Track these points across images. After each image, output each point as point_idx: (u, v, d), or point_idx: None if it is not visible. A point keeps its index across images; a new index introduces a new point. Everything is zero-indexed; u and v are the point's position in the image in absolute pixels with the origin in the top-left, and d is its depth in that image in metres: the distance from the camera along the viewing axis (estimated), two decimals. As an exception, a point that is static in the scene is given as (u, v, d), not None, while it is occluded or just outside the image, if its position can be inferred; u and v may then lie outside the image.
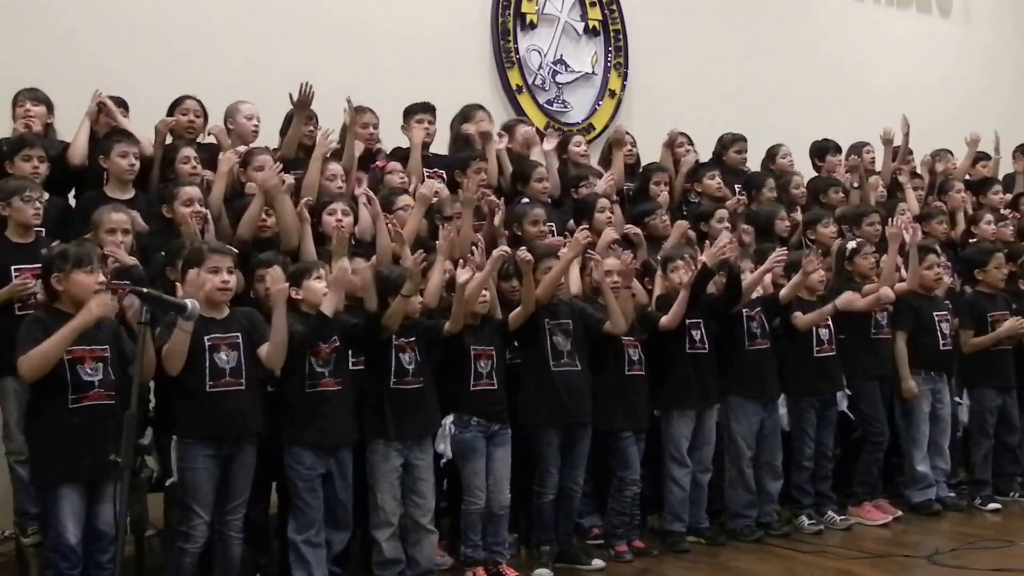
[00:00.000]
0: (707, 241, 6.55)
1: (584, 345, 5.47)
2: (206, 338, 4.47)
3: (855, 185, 7.59)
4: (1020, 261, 7.24)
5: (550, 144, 7.05)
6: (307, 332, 4.70)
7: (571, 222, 6.37)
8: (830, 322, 6.19)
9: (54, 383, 4.13)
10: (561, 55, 9.07)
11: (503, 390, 5.25)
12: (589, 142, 7.83)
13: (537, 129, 7.57)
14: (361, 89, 6.86)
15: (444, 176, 6.47)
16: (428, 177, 6.28)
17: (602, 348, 5.56)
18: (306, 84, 6.08)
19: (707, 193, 7.16)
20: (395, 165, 6.24)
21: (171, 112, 6.06)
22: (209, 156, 5.89)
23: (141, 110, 6.09)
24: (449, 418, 5.13)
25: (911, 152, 8.54)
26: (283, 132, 6.36)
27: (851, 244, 6.53)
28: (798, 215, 7.19)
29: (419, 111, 6.68)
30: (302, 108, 6.14)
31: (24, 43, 6.67)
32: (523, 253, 5.26)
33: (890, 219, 6.61)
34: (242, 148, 6.00)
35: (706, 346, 5.84)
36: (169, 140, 5.88)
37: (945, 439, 6.63)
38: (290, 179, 5.52)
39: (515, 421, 5.33)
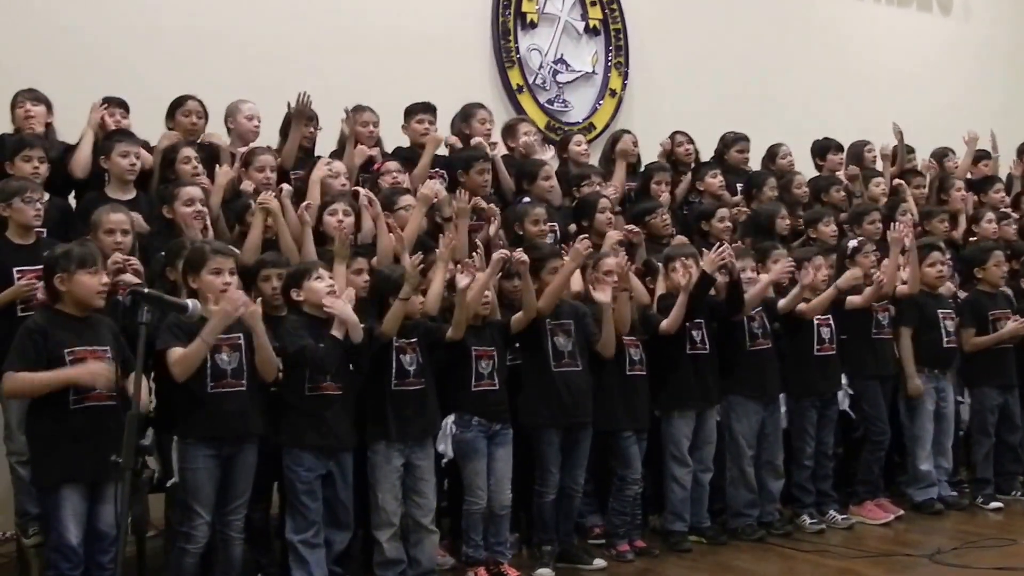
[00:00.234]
0: (708, 238, 6.61)
1: (585, 345, 5.46)
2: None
3: (856, 195, 7.61)
4: (1023, 260, 7.24)
5: (547, 153, 7.05)
6: (323, 359, 4.68)
7: (571, 226, 6.38)
8: (831, 321, 6.18)
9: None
10: (561, 54, 9.07)
11: (504, 390, 5.24)
12: (590, 141, 7.81)
13: (538, 128, 7.59)
14: (361, 88, 6.89)
15: (445, 176, 6.47)
16: (429, 177, 6.28)
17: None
18: (303, 94, 6.09)
19: (709, 192, 7.17)
20: (389, 166, 6.23)
21: (172, 112, 6.06)
22: (208, 156, 5.89)
23: (141, 110, 6.09)
24: (450, 418, 5.13)
25: (912, 150, 8.55)
26: (283, 132, 6.36)
27: (852, 243, 6.53)
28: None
29: (419, 111, 6.69)
30: (300, 117, 6.14)
31: (25, 43, 6.67)
32: (520, 254, 5.25)
33: (892, 224, 6.59)
34: (243, 148, 5.99)
35: (707, 346, 5.83)
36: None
37: (948, 438, 6.63)
38: (288, 188, 5.51)
39: (516, 421, 5.33)
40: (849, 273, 6.18)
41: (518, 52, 8.79)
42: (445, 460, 5.14)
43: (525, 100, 8.75)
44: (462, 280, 5.02)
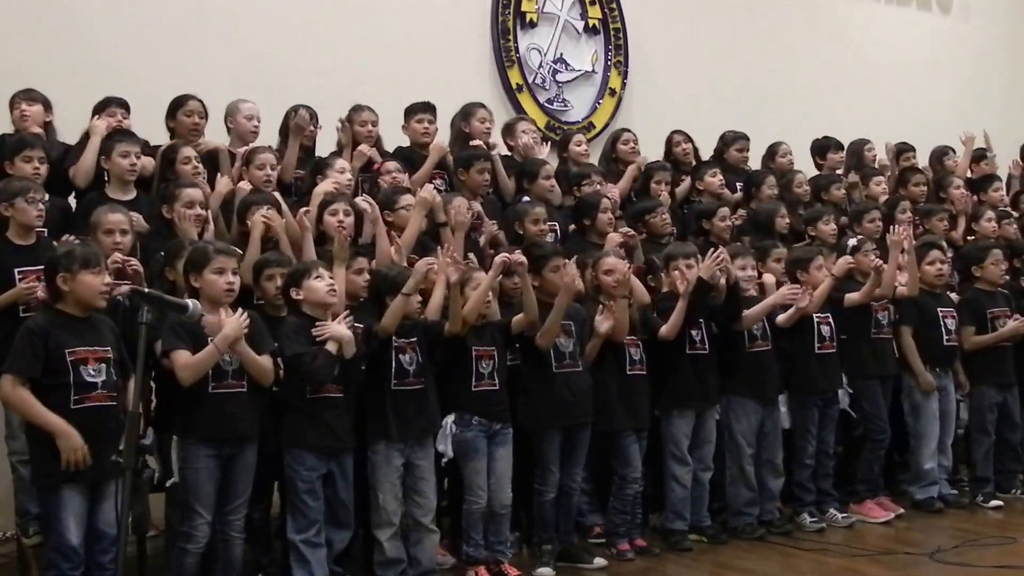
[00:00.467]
0: (709, 237, 6.61)
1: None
2: (210, 340, 4.46)
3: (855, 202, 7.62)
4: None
5: (543, 151, 7.05)
6: (316, 372, 4.68)
7: (571, 226, 6.39)
8: (831, 319, 6.19)
9: (56, 384, 4.11)
10: (561, 54, 9.06)
11: (504, 390, 5.24)
12: (589, 141, 7.82)
13: (536, 127, 7.59)
14: (361, 88, 6.89)
15: (446, 176, 6.48)
16: (431, 180, 6.29)
17: (603, 348, 5.55)
18: (296, 111, 6.14)
19: (708, 191, 7.17)
20: (388, 166, 6.23)
21: (173, 112, 6.05)
22: (206, 156, 5.89)
23: (141, 110, 6.09)
24: (450, 417, 5.13)
25: (912, 149, 8.56)
26: (282, 132, 6.36)
27: (852, 241, 6.54)
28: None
29: (420, 111, 6.69)
30: (296, 133, 6.13)
31: (25, 43, 6.67)
32: (518, 256, 5.24)
33: (891, 227, 6.59)
34: (242, 148, 5.99)
35: (706, 347, 5.83)
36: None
37: (949, 436, 6.63)
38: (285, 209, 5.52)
39: (516, 420, 5.33)
40: (842, 260, 6.17)
41: (517, 51, 8.78)
42: (445, 459, 5.13)
43: (525, 99, 8.75)
44: (452, 275, 5.01)
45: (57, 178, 5.50)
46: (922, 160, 8.59)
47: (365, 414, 4.97)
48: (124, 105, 5.99)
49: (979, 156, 8.76)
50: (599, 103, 9.15)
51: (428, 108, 6.71)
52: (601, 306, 5.48)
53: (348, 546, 4.95)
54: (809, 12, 10.51)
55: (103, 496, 4.14)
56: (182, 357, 4.38)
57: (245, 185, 5.70)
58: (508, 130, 7.12)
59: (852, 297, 6.26)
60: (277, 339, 4.71)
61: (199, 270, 4.53)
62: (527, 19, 8.88)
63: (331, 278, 4.86)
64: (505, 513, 5.22)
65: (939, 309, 6.56)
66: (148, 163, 5.69)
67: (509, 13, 8.75)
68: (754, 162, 7.87)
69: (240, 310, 4.50)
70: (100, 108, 5.89)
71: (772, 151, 7.88)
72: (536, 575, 5.27)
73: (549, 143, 7.69)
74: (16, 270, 4.87)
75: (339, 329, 4.73)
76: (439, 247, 5.38)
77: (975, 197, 8.10)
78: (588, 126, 8.93)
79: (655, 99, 9.19)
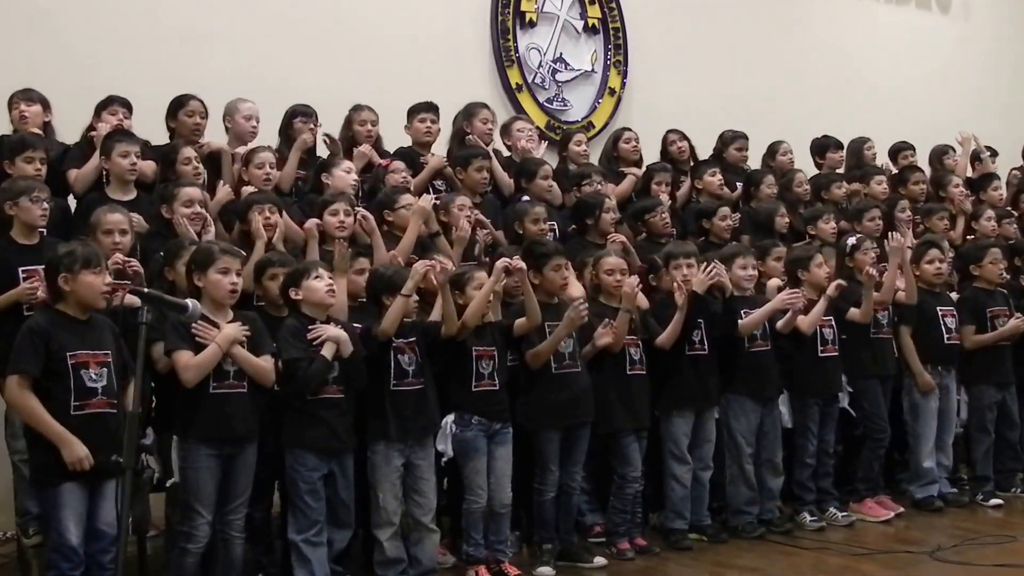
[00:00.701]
0: (709, 237, 6.61)
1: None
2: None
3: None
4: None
5: (540, 149, 7.05)
6: (310, 380, 4.69)
7: (571, 227, 6.38)
8: (833, 322, 6.19)
9: (56, 387, 4.10)
10: (561, 53, 9.06)
11: (505, 391, 5.24)
12: (589, 140, 7.82)
13: (535, 125, 7.60)
14: (360, 88, 6.89)
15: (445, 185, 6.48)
16: (432, 183, 6.30)
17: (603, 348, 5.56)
18: (312, 134, 6.22)
19: (708, 190, 7.17)
20: (397, 165, 6.23)
21: (174, 112, 6.04)
22: (206, 156, 5.89)
23: (141, 110, 6.09)
24: (450, 417, 5.12)
25: (911, 148, 8.56)
26: (282, 132, 6.36)
27: (851, 240, 6.53)
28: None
29: (422, 110, 6.70)
30: (300, 148, 6.12)
31: (24, 44, 6.67)
32: (517, 262, 5.24)
33: (890, 233, 6.57)
34: (242, 148, 5.99)
35: (706, 348, 5.83)
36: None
37: (949, 435, 6.64)
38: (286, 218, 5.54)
39: (516, 420, 5.32)
40: (833, 285, 6.13)
41: (517, 51, 8.78)
42: (445, 459, 5.14)
43: (524, 99, 8.75)
44: (439, 276, 4.97)
45: (55, 178, 5.49)
46: (922, 160, 8.60)
47: (365, 414, 4.97)
48: (126, 104, 5.97)
49: (975, 157, 8.77)
50: (598, 103, 9.15)
51: (431, 108, 6.71)
52: (605, 320, 5.48)
53: (348, 546, 4.96)
54: (808, 11, 10.52)
55: (103, 496, 4.13)
56: (184, 357, 4.39)
57: (248, 190, 5.70)
58: (505, 130, 7.12)
59: (854, 314, 6.24)
60: (276, 340, 4.71)
61: (203, 269, 4.52)
62: (527, 19, 8.88)
63: (331, 278, 4.86)
64: (505, 512, 5.23)
65: (939, 308, 6.56)
66: (149, 168, 5.68)
67: (509, 13, 8.75)
68: (753, 162, 7.87)
69: (239, 324, 4.50)
70: (102, 107, 5.89)
71: (772, 149, 7.89)
72: (536, 574, 5.27)
73: (547, 143, 7.70)
74: (20, 269, 4.86)
75: (334, 330, 4.74)
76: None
77: (974, 196, 8.10)
78: (588, 125, 8.92)
79: (655, 99, 9.18)
